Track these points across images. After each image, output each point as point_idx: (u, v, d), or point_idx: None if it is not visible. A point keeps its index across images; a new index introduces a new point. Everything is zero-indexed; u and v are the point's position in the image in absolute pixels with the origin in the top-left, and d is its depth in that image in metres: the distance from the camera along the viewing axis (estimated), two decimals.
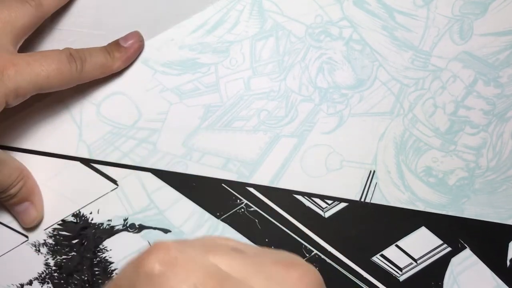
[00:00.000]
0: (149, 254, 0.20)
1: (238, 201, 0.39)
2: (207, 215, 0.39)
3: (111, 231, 0.39)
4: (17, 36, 0.36)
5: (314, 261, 0.38)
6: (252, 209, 0.38)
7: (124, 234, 0.39)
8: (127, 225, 0.39)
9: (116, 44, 0.38)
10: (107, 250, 0.39)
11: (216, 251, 0.22)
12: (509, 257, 0.38)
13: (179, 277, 0.20)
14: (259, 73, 0.39)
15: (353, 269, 0.38)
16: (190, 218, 0.39)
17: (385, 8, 0.38)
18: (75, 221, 0.39)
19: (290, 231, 0.38)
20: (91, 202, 0.39)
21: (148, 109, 0.39)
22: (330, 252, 0.38)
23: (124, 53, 0.38)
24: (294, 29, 0.39)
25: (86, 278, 0.39)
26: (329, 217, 0.38)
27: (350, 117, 0.39)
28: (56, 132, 0.39)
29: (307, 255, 0.38)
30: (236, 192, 0.39)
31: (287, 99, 0.39)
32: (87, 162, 0.39)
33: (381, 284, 0.38)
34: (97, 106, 0.39)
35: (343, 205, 0.38)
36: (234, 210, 0.39)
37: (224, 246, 0.23)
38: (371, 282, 0.38)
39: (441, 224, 0.38)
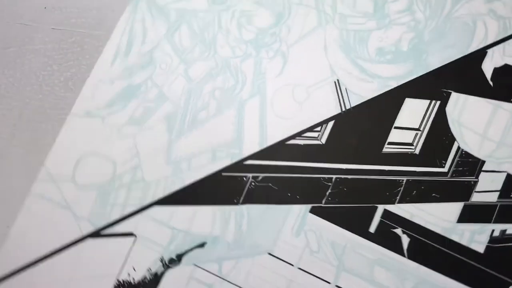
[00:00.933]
0: None
1: (244, 178, 0.39)
2: (227, 207, 0.39)
3: (157, 278, 0.39)
4: None
5: (339, 184, 0.38)
6: (259, 177, 0.39)
7: (169, 272, 0.39)
8: (166, 263, 0.39)
9: None
10: None
11: None
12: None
13: None
14: (192, 61, 0.39)
15: (371, 170, 0.39)
16: (215, 220, 0.39)
17: None
18: None
19: (303, 174, 0.39)
20: (123, 266, 0.39)
21: (117, 154, 0.39)
22: (345, 169, 0.39)
23: None
24: (197, 6, 0.39)
25: None
26: (326, 140, 0.39)
27: (290, 48, 0.39)
28: (54, 228, 0.38)
29: (329, 183, 0.39)
30: (237, 173, 0.39)
31: (229, 68, 0.39)
32: (96, 234, 0.39)
33: (400, 167, 0.39)
34: (71, 179, 0.38)
35: (331, 123, 0.39)
36: (246, 188, 0.39)
37: None
38: (388, 172, 0.39)
39: (422, 86, 0.39)
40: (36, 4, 0.41)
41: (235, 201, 0.39)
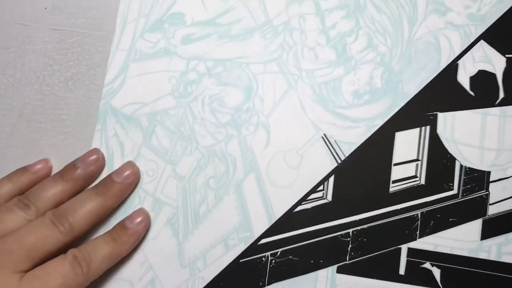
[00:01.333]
0: None
1: (264, 258, 0.38)
2: None
3: None
4: (38, 261, 0.34)
5: (358, 236, 0.38)
6: (278, 253, 0.38)
7: None
8: None
9: (122, 227, 0.37)
10: None
11: None
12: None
13: None
14: (177, 159, 0.39)
15: (384, 213, 0.38)
16: None
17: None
18: None
19: (320, 237, 0.38)
20: None
21: (131, 272, 0.38)
22: (360, 220, 0.38)
23: (132, 235, 0.36)
24: (165, 105, 0.39)
25: None
26: (332, 196, 0.39)
27: (268, 117, 0.39)
28: None
29: (348, 238, 0.38)
30: (255, 255, 0.38)
31: (216, 155, 0.39)
32: None
33: (410, 202, 0.39)
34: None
35: (331, 179, 0.39)
36: (268, 268, 0.38)
37: None
38: (402, 211, 0.39)
39: (408, 116, 0.39)
40: (36, 4, 0.41)
41: (261, 284, 0.38)
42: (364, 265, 0.38)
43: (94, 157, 0.38)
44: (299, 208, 0.39)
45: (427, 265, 0.38)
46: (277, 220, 0.39)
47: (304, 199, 0.39)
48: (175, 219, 0.39)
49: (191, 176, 0.39)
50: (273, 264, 0.38)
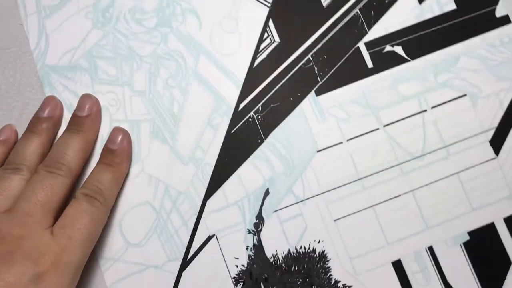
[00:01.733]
0: None
1: (250, 119, 0.40)
2: (257, 152, 0.39)
3: (260, 245, 0.39)
4: (55, 213, 0.35)
5: (318, 56, 0.40)
6: (259, 108, 0.40)
7: (263, 234, 0.39)
8: (254, 230, 0.39)
9: (109, 152, 0.38)
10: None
11: None
12: None
13: None
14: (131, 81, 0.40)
15: (326, 29, 0.40)
16: (260, 168, 0.39)
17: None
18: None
19: (287, 75, 0.40)
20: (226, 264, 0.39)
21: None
22: (313, 42, 0.40)
23: (121, 154, 0.38)
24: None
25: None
26: (279, 37, 0.40)
27: (187, 4, 0.41)
28: None
29: (311, 63, 0.40)
30: (241, 121, 0.40)
31: (160, 59, 0.40)
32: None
33: (342, 9, 0.40)
34: None
35: (271, 23, 0.40)
36: (258, 125, 0.40)
37: None
38: (344, 14, 0.40)
39: None
40: None
41: (259, 141, 0.40)
42: (336, 77, 0.40)
43: (52, 102, 0.39)
44: (256, 62, 0.40)
45: (388, 48, 0.40)
46: (244, 82, 0.40)
47: (257, 52, 0.40)
48: (157, 129, 0.40)
49: (150, 86, 0.40)
50: (260, 119, 0.40)
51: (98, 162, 0.38)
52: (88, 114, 0.38)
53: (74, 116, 0.38)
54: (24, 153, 0.37)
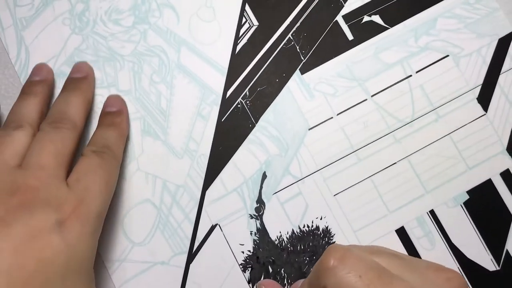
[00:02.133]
0: (326, 254, 0.28)
1: (239, 106, 0.40)
2: (250, 136, 0.40)
3: (263, 229, 0.39)
4: (67, 165, 0.34)
5: (299, 34, 0.40)
6: (246, 93, 0.40)
7: (265, 217, 0.39)
8: (255, 214, 0.39)
9: (107, 115, 0.38)
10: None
11: (378, 253, 0.29)
12: None
13: (347, 269, 0.27)
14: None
15: (303, 7, 0.40)
16: (255, 153, 0.39)
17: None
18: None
19: (271, 57, 0.40)
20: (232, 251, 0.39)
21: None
22: (290, 23, 0.40)
23: (120, 115, 0.38)
24: None
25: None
26: (257, 20, 0.40)
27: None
28: None
29: (292, 42, 0.40)
30: (230, 108, 0.40)
31: (141, 56, 0.40)
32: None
33: None
34: None
35: (247, 7, 0.41)
36: (248, 109, 0.40)
37: (385, 251, 0.30)
38: None
39: None
40: None
41: (251, 125, 0.40)
42: (318, 54, 0.40)
43: (44, 68, 0.39)
44: (238, 47, 0.40)
45: (366, 18, 0.40)
46: (228, 69, 0.40)
47: (237, 37, 0.40)
48: (148, 126, 0.40)
49: (135, 84, 0.40)
50: (248, 104, 0.40)
51: (99, 125, 0.38)
52: (85, 75, 0.38)
53: (71, 78, 0.38)
54: (22, 112, 0.36)
